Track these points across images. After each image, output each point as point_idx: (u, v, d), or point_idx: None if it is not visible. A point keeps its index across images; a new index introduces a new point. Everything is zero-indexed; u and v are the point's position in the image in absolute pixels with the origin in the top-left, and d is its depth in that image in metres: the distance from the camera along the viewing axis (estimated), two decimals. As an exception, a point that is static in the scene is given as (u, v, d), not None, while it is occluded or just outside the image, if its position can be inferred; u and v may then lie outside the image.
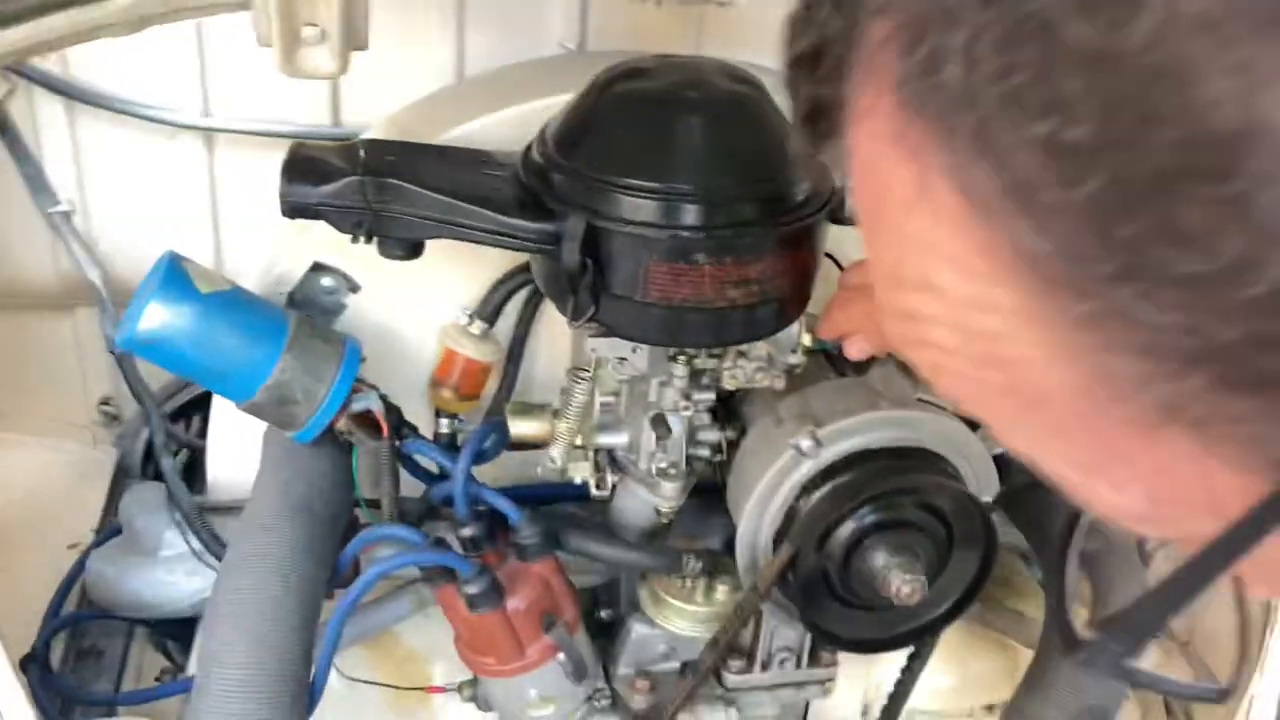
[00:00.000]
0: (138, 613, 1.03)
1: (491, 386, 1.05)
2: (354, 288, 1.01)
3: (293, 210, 0.85)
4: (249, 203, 1.23)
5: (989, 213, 0.30)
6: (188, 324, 0.88)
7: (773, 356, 0.92)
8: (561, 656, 0.95)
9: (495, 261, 1.00)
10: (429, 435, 1.00)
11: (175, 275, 0.90)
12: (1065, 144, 0.28)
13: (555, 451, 0.93)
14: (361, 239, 0.86)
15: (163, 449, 1.07)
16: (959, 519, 0.90)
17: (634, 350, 0.90)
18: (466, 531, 0.91)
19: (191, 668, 1.09)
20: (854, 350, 0.90)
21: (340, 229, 0.86)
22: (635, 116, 0.82)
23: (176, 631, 1.18)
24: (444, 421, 1.03)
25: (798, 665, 1.07)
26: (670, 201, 0.79)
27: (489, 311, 1.01)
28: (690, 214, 0.80)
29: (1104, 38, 0.27)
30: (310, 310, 1.00)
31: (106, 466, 1.35)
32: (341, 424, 0.96)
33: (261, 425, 1.03)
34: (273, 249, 1.03)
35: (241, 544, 0.91)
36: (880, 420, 0.89)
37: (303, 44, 0.87)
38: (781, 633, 1.03)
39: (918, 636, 0.94)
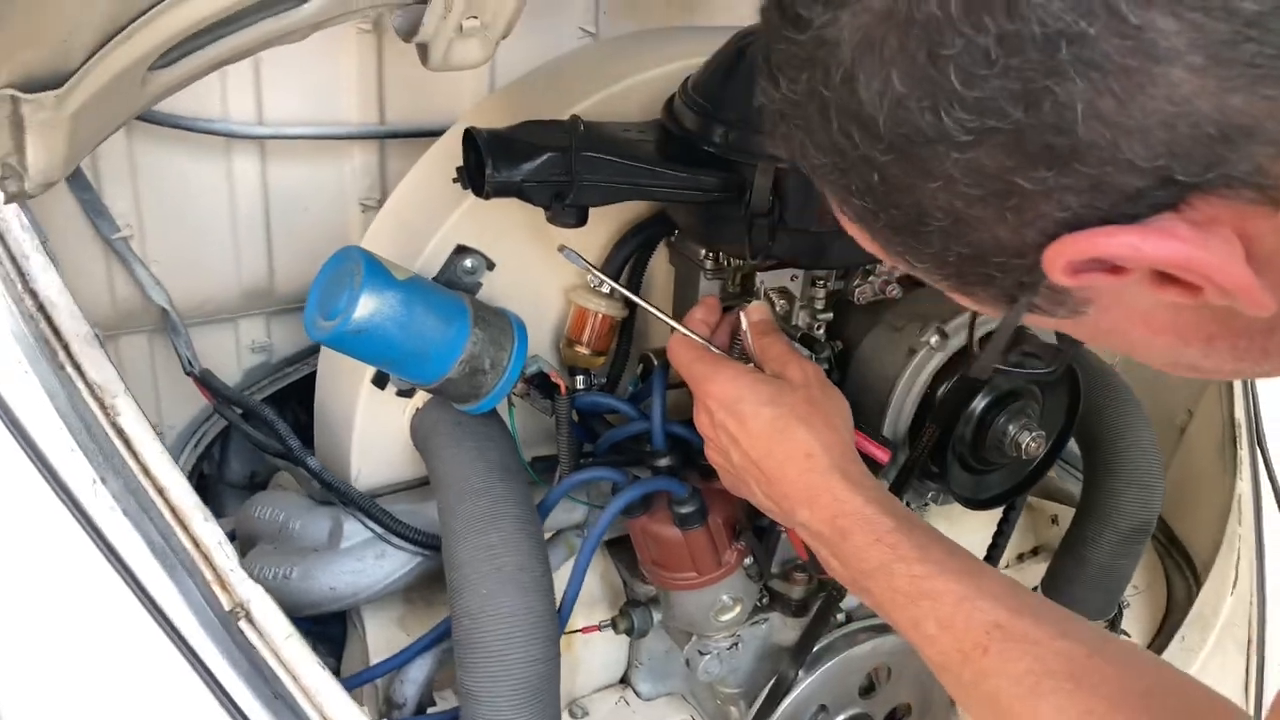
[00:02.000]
0: (331, 606, 1.05)
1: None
2: (490, 266, 1.07)
3: (498, 190, 0.92)
4: (299, 209, 1.26)
5: None
6: (394, 310, 0.93)
7: (891, 270, 1.08)
8: (749, 560, 1.07)
9: (603, 225, 1.10)
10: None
11: (375, 266, 0.94)
12: None
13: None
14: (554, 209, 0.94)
15: (302, 450, 1.09)
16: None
17: (793, 278, 1.03)
18: (666, 461, 1.01)
19: (357, 662, 1.13)
20: None
21: (536, 202, 0.94)
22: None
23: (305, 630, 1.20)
24: (579, 378, 1.11)
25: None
26: (848, 140, 0.93)
27: (613, 270, 1.10)
28: (864, 149, 0.94)
29: None
30: (453, 291, 1.06)
31: (157, 497, 1.32)
32: (518, 388, 1.04)
33: (401, 417, 1.09)
34: (397, 239, 1.08)
35: (464, 510, 0.97)
36: (988, 310, 1.07)
37: (461, 36, 0.94)
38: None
39: (1034, 480, 1.13)
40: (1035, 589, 1.35)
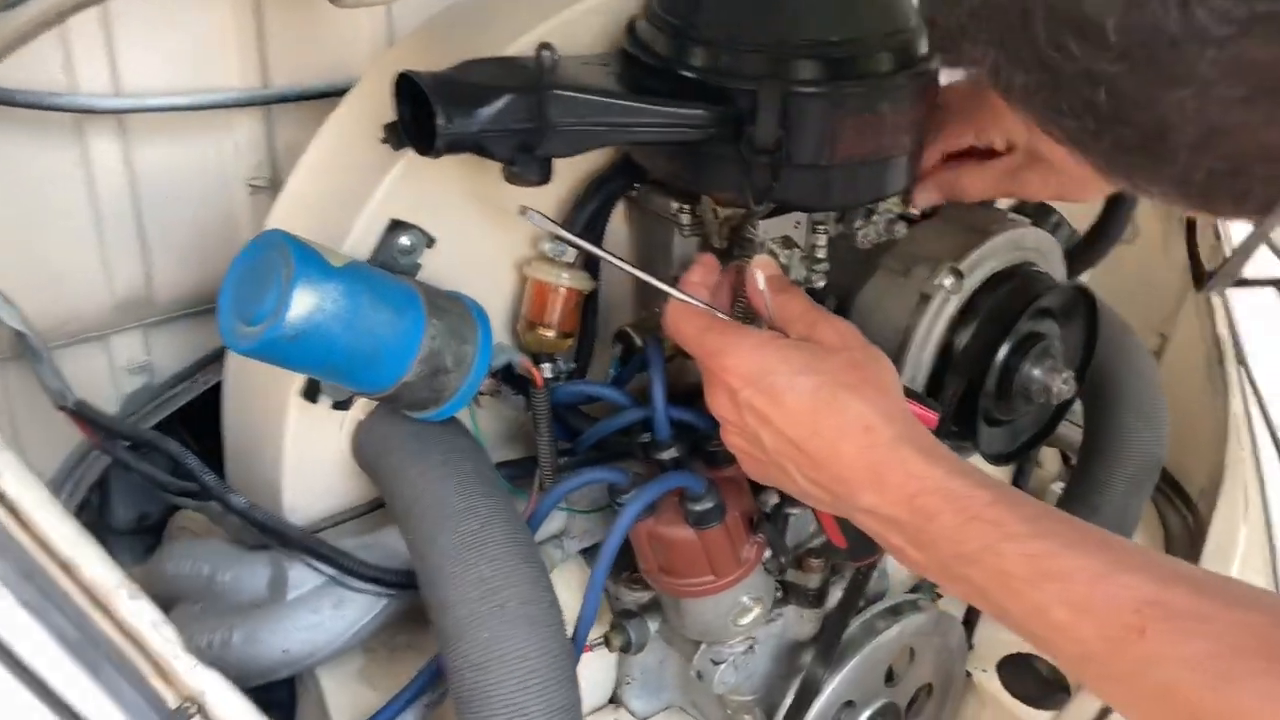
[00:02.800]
0: (285, 672, 0.86)
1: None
2: (430, 242, 0.89)
3: (452, 144, 0.75)
4: (174, 197, 1.05)
5: None
6: (337, 305, 0.76)
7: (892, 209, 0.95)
8: (768, 552, 0.93)
9: (557, 180, 0.93)
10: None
11: (306, 252, 0.76)
12: None
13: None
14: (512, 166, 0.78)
15: (222, 486, 0.89)
16: (1064, 309, 0.99)
17: (795, 225, 0.89)
18: (671, 453, 0.86)
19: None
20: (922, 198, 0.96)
21: (497, 155, 0.77)
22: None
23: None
24: (546, 365, 0.95)
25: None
26: (861, 52, 0.79)
27: (576, 234, 0.94)
28: (879, 60, 0.80)
29: None
30: (389, 275, 0.88)
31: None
32: (486, 385, 0.87)
33: (340, 434, 0.90)
34: (318, 218, 0.89)
35: (445, 538, 0.80)
36: (1003, 244, 0.95)
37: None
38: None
39: (1059, 420, 1.02)
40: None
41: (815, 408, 0.75)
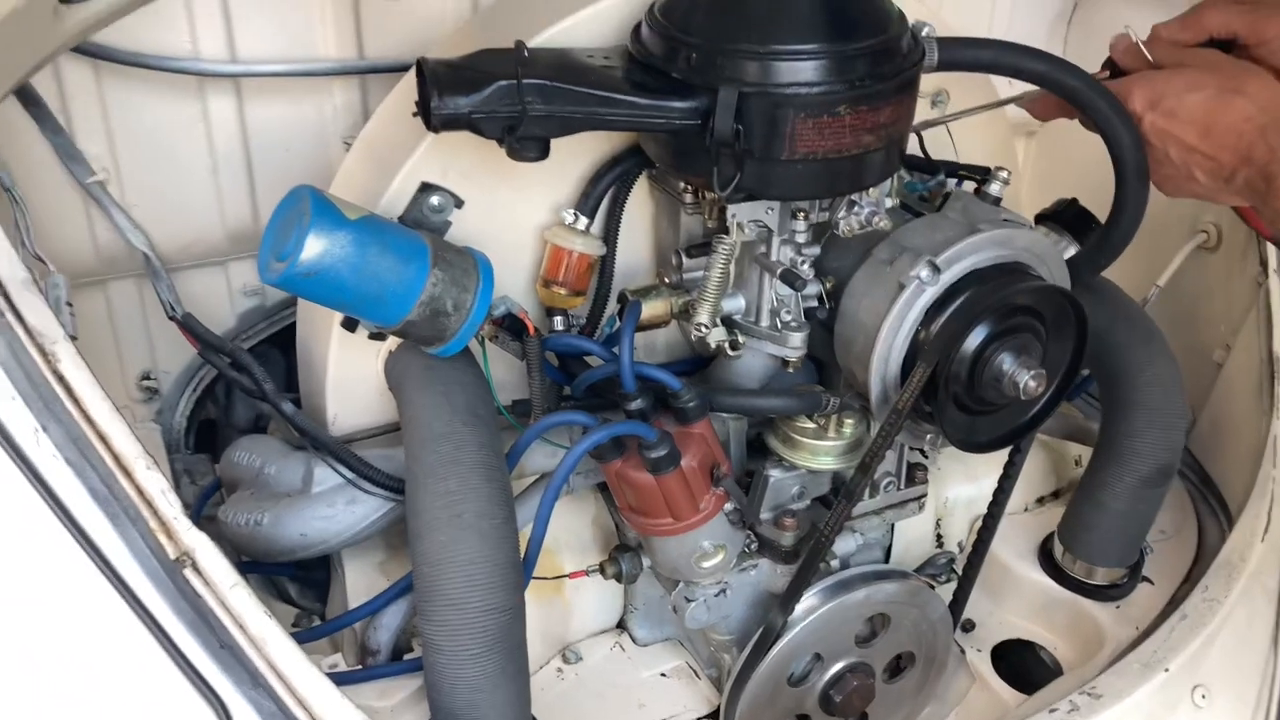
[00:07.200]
0: (303, 554, 1.04)
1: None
2: (459, 204, 1.03)
3: (445, 122, 0.88)
4: (280, 149, 1.23)
5: None
6: (346, 250, 0.90)
7: (879, 201, 1.01)
8: (729, 505, 1.03)
9: (579, 159, 1.05)
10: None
11: (323, 205, 0.91)
12: None
13: (704, 318, 1.00)
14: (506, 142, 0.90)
15: (276, 394, 1.07)
16: (1053, 314, 1.02)
17: (768, 211, 0.98)
18: (637, 404, 0.97)
19: (338, 607, 1.12)
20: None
21: (488, 134, 0.90)
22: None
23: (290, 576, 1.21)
24: (558, 319, 1.07)
25: (898, 488, 1.18)
26: (816, 60, 0.87)
27: (590, 207, 1.06)
28: (834, 69, 0.87)
29: None
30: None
31: (156, 444, 1.32)
32: (486, 330, 1.01)
33: (375, 361, 1.06)
34: (367, 179, 1.04)
35: (426, 455, 0.94)
36: (985, 241, 1.00)
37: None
38: (886, 459, 1.14)
39: (1035, 423, 1.06)
40: (1050, 535, 1.29)
41: (1207, 112, 0.95)
